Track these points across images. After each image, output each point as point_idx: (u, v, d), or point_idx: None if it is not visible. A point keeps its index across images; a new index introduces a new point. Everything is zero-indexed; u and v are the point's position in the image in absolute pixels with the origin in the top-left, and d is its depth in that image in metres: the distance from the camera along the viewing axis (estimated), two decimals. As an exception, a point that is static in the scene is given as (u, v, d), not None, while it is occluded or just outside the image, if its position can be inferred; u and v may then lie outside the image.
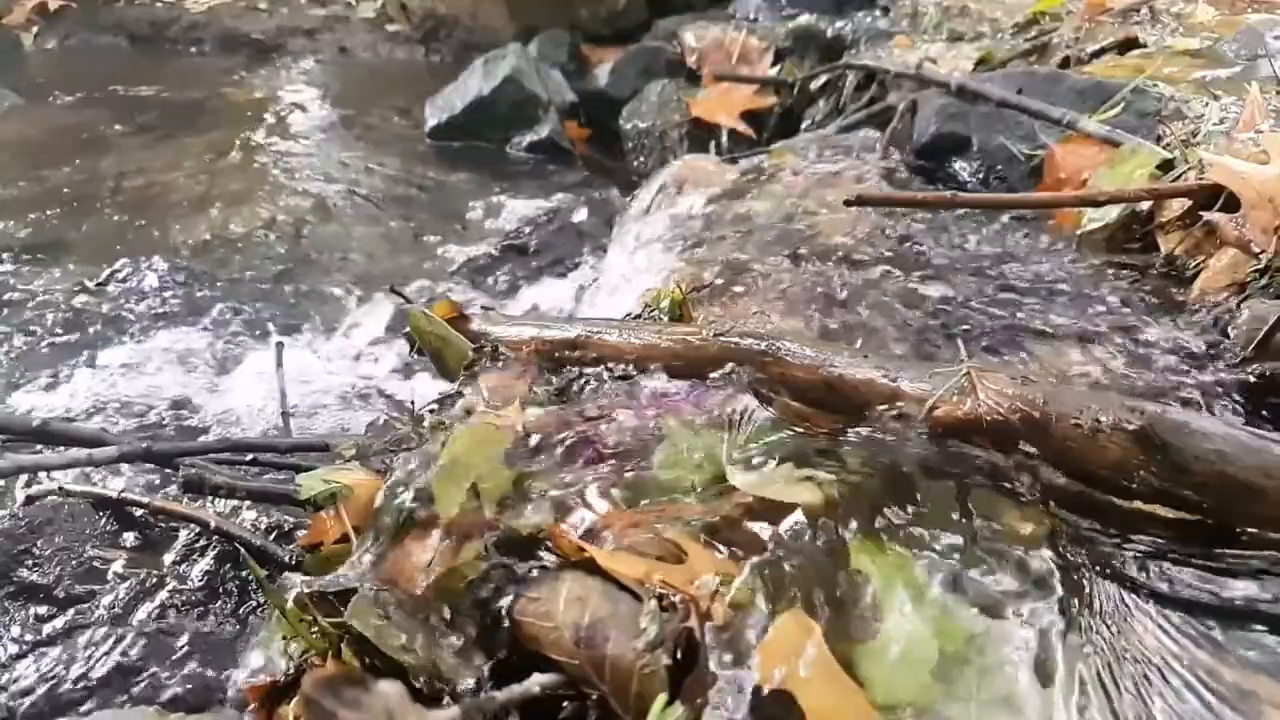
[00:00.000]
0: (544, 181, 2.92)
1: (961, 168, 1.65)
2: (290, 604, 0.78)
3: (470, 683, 0.64)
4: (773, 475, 0.79)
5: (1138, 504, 0.76)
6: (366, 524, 0.85)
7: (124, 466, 1.27)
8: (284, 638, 0.83)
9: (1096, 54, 1.88)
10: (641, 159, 2.82)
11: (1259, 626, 0.67)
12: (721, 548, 0.71)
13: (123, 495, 1.19)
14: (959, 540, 0.72)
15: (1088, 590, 0.70)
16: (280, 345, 1.65)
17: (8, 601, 1.10)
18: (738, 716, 0.57)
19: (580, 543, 0.71)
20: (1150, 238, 1.29)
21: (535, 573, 0.71)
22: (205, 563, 1.13)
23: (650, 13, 3.61)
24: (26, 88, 3.81)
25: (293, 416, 1.50)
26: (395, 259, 2.42)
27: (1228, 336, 1.02)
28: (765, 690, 0.58)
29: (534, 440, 0.87)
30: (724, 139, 2.59)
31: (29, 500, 1.21)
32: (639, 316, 1.21)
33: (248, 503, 1.17)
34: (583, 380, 1.01)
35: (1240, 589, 0.70)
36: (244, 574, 1.10)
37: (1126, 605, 0.69)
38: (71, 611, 1.08)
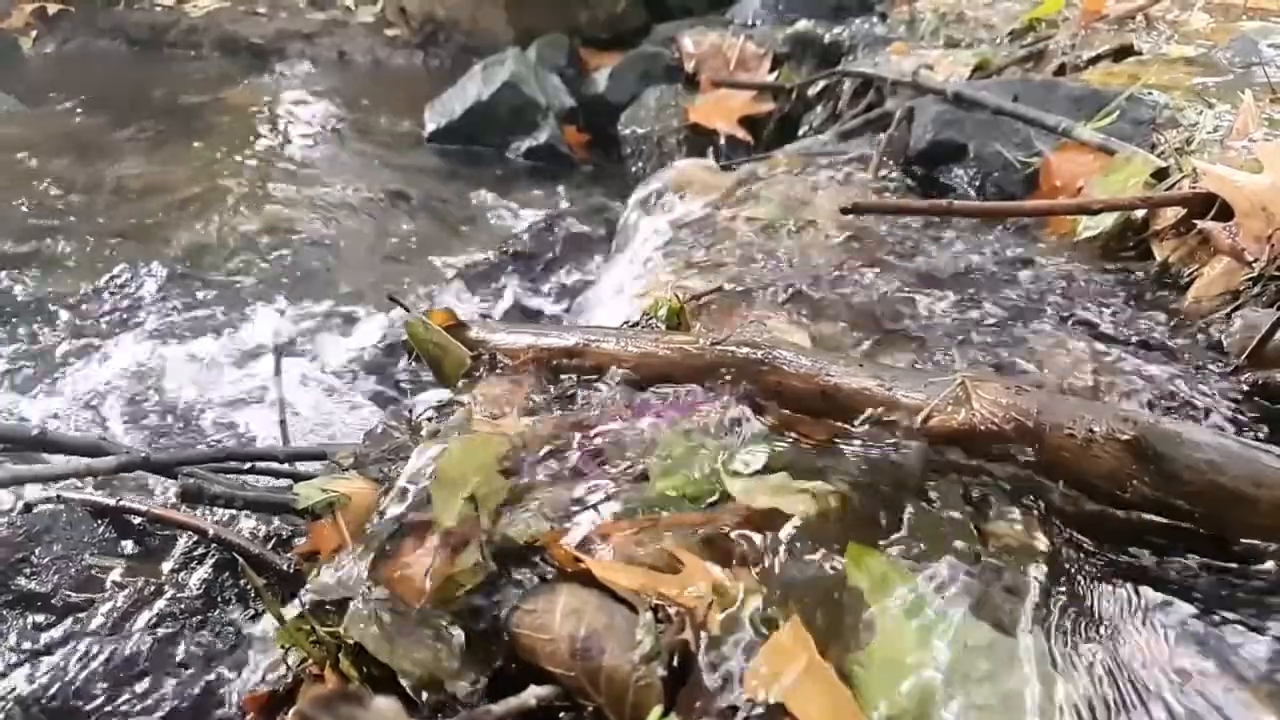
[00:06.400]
0: (542, 186, 2.93)
1: (958, 175, 1.66)
2: (288, 613, 0.78)
3: (467, 694, 0.65)
4: (769, 485, 0.79)
5: (1131, 513, 0.76)
6: (364, 533, 0.85)
7: (122, 474, 1.27)
8: (282, 647, 0.83)
9: (1092, 61, 1.89)
10: (640, 164, 2.82)
11: (1252, 635, 0.67)
12: (718, 558, 0.71)
13: (121, 503, 1.19)
14: (954, 550, 0.72)
15: (1083, 599, 0.70)
16: (278, 352, 1.65)
17: (5, 610, 1.10)
18: (733, 728, 0.57)
19: (576, 553, 0.72)
20: (1145, 245, 1.29)
21: (532, 584, 0.71)
22: (203, 571, 1.13)
23: (649, 18, 3.62)
24: (25, 92, 3.81)
25: (291, 424, 1.50)
26: (393, 265, 2.42)
27: (1221, 345, 1.03)
28: (760, 701, 0.58)
29: (531, 449, 0.87)
30: (722, 144, 2.60)
31: (27, 507, 1.21)
32: (637, 324, 1.22)
33: (246, 511, 1.17)
34: (580, 388, 1.02)
35: (1234, 596, 0.70)
36: (242, 583, 1.11)
37: (1122, 613, 0.69)
38: (69, 620, 1.08)
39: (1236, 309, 1.07)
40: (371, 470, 1.00)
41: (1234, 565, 0.72)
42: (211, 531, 1.12)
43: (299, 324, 2.10)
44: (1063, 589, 0.70)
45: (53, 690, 1.01)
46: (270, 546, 1.13)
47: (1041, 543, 0.73)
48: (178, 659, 1.03)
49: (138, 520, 1.19)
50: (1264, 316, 0.98)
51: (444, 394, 1.11)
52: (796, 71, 2.74)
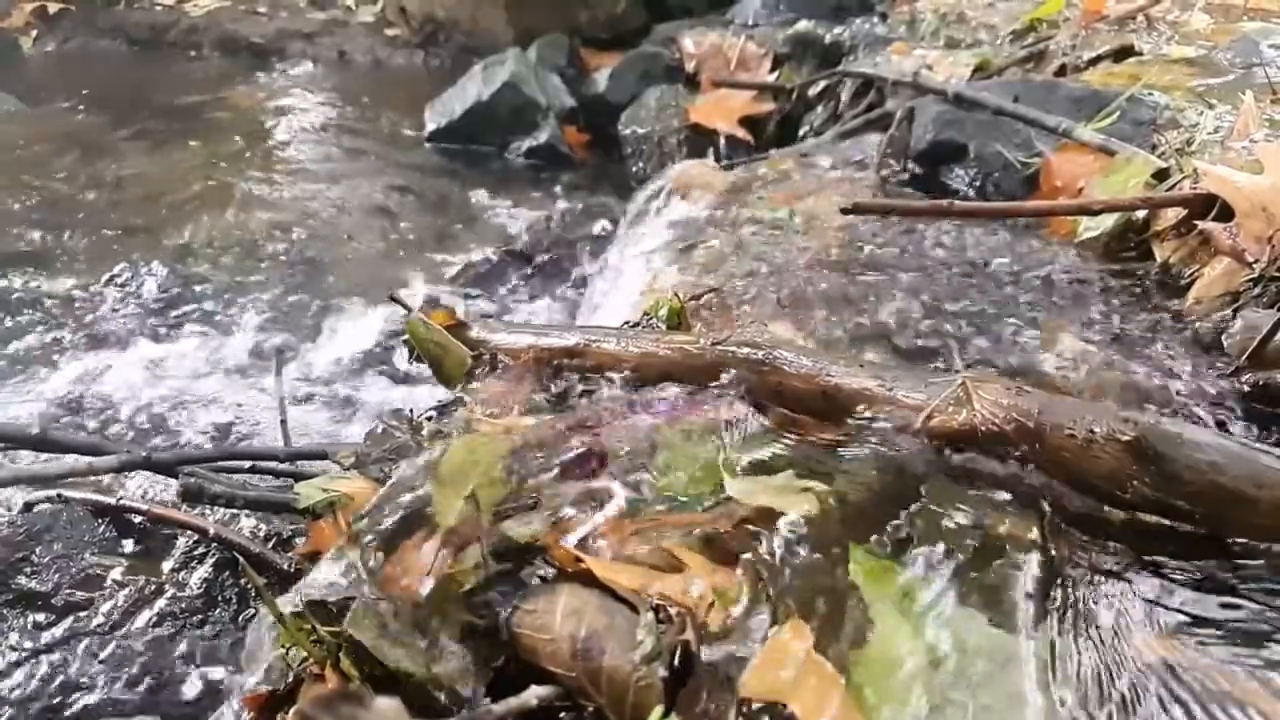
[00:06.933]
0: (543, 187, 2.93)
1: (958, 175, 1.66)
2: (289, 612, 0.78)
3: (468, 694, 0.65)
4: (770, 484, 0.79)
5: (1132, 513, 0.76)
6: (365, 532, 0.85)
7: (123, 473, 1.27)
8: (283, 646, 0.83)
9: (1093, 61, 1.89)
10: (640, 164, 2.83)
11: (1250, 632, 0.67)
12: (719, 558, 0.71)
13: (122, 502, 1.19)
14: (954, 549, 0.72)
15: (1082, 598, 0.70)
16: (279, 353, 1.65)
17: (6, 609, 1.10)
18: (733, 728, 0.58)
19: (577, 553, 0.72)
20: (1146, 246, 1.29)
21: (533, 583, 0.71)
22: (204, 570, 1.13)
23: (649, 18, 3.62)
24: (25, 91, 3.81)
25: (291, 424, 1.50)
26: (394, 265, 2.42)
27: (1222, 345, 1.03)
28: (761, 701, 0.58)
29: (532, 448, 0.87)
30: (722, 144, 2.60)
31: (28, 506, 1.21)
32: (637, 324, 1.22)
33: (247, 511, 1.17)
34: (581, 388, 1.02)
35: (1233, 598, 0.70)
36: (243, 582, 1.11)
37: (1122, 614, 0.69)
38: (70, 619, 1.09)
39: (1237, 310, 1.07)
40: (372, 470, 1.00)
41: (1231, 564, 0.73)
42: (212, 531, 1.13)
43: (299, 323, 2.10)
44: (1062, 588, 0.70)
45: (53, 689, 1.01)
46: (271, 546, 1.13)
47: (1041, 542, 0.73)
48: (178, 658, 1.04)
49: (138, 519, 1.19)
50: (1264, 317, 0.98)
51: (445, 393, 1.12)
52: (797, 72, 2.74)
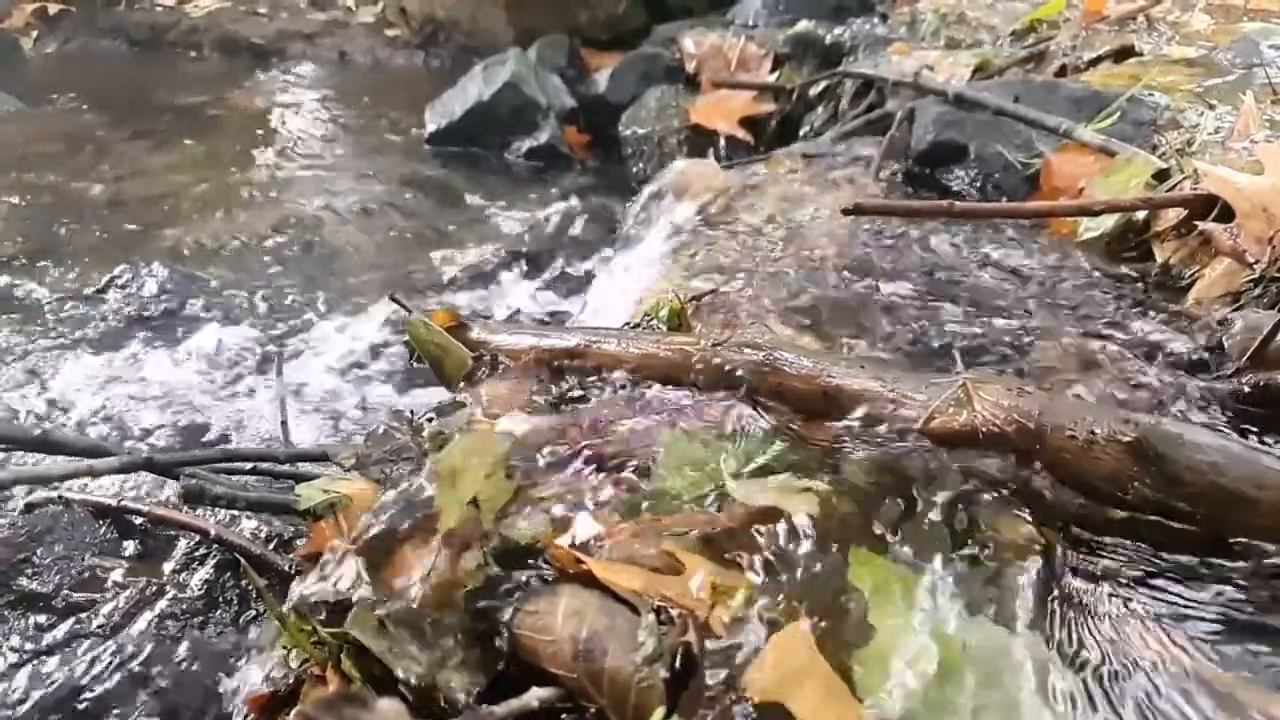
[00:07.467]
0: (543, 187, 2.93)
1: (959, 176, 1.66)
2: (290, 614, 0.78)
3: (469, 696, 0.65)
4: (770, 485, 0.79)
5: (1132, 514, 0.76)
6: (366, 534, 0.85)
7: (124, 475, 1.28)
8: (284, 647, 0.83)
9: (1093, 62, 1.89)
10: (640, 165, 2.83)
11: (1251, 636, 0.67)
12: (719, 559, 0.71)
13: (122, 504, 1.20)
14: (954, 549, 0.72)
15: (1084, 600, 0.70)
16: (279, 354, 1.65)
17: (7, 610, 1.10)
18: (735, 729, 0.58)
19: (578, 554, 0.72)
20: (1146, 246, 1.29)
21: (534, 585, 0.71)
22: (205, 572, 1.13)
23: (649, 18, 3.62)
24: (26, 91, 3.81)
25: (292, 425, 1.50)
26: (394, 266, 2.42)
27: (1222, 346, 1.03)
28: (762, 702, 0.58)
29: (533, 450, 0.88)
30: (722, 145, 2.60)
31: (28, 508, 1.21)
32: (638, 325, 1.22)
33: (248, 512, 1.17)
34: (582, 389, 1.02)
35: (1233, 598, 0.70)
36: (244, 583, 1.11)
37: (1122, 614, 0.69)
38: (71, 620, 1.09)
39: (1237, 310, 1.07)
40: (373, 471, 1.00)
41: (1230, 564, 0.73)
42: (213, 532, 1.13)
43: (300, 324, 2.10)
44: (1062, 588, 0.70)
45: (54, 690, 1.01)
46: (272, 547, 1.13)
47: (1041, 542, 0.73)
48: (179, 659, 1.04)
49: (139, 521, 1.19)
50: (1265, 318, 0.98)
51: (446, 394, 1.11)
52: (797, 72, 2.74)
